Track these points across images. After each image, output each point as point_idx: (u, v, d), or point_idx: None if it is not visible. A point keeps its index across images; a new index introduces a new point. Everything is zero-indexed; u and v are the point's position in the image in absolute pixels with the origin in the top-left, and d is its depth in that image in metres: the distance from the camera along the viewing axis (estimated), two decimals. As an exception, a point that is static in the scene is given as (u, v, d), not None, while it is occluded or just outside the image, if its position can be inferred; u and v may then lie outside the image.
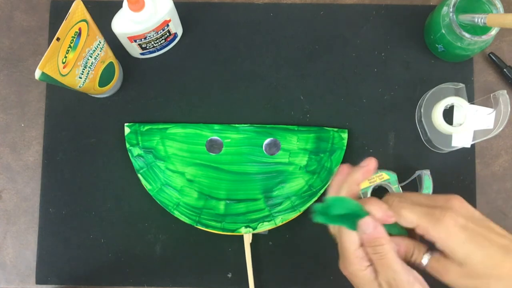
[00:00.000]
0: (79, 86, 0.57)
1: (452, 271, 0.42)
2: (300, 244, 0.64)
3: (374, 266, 0.43)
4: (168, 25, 0.60)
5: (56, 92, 0.65)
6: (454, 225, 0.41)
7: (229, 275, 0.64)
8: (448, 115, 0.64)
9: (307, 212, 0.62)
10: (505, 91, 0.60)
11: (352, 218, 0.44)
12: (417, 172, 0.62)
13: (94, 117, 0.65)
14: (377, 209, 0.43)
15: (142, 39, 0.60)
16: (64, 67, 0.52)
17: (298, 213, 0.62)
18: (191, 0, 0.67)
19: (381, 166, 0.63)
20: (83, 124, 0.65)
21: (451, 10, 0.57)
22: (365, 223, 0.43)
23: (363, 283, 0.44)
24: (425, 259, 0.44)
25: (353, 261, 0.43)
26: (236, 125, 0.64)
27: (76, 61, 0.53)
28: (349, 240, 0.44)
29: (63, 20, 0.50)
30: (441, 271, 0.43)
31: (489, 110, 0.62)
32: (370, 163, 0.46)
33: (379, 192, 0.63)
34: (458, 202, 0.43)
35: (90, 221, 0.64)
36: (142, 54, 0.65)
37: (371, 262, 0.43)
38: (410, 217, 0.43)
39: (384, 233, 0.43)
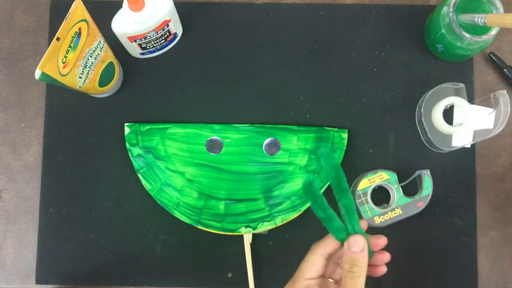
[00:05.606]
0: (79, 86, 0.57)
1: None
2: (300, 244, 0.63)
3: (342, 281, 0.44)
4: (168, 25, 0.60)
5: (56, 92, 0.65)
6: None
7: (229, 275, 0.64)
8: (448, 115, 0.64)
9: (307, 212, 0.62)
10: (505, 91, 0.60)
11: (337, 227, 0.45)
12: (417, 172, 0.62)
13: (94, 117, 0.65)
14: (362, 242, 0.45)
15: (142, 39, 0.60)
16: (64, 67, 0.52)
17: (298, 213, 0.62)
18: (191, 0, 0.67)
19: (381, 166, 0.63)
20: (83, 124, 0.65)
21: (451, 10, 0.57)
22: (359, 241, 0.44)
23: None
24: None
25: None
26: (236, 125, 0.64)
27: (76, 61, 0.53)
28: (314, 265, 0.46)
29: (63, 20, 0.50)
30: None
31: (489, 110, 0.62)
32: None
33: (379, 192, 0.63)
34: None
35: (90, 221, 0.64)
36: (142, 54, 0.65)
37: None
38: None
39: (367, 258, 0.44)
